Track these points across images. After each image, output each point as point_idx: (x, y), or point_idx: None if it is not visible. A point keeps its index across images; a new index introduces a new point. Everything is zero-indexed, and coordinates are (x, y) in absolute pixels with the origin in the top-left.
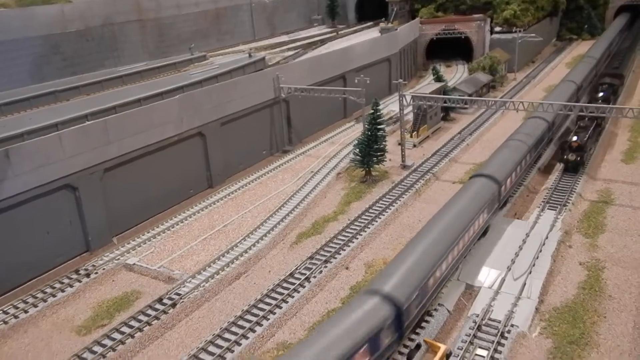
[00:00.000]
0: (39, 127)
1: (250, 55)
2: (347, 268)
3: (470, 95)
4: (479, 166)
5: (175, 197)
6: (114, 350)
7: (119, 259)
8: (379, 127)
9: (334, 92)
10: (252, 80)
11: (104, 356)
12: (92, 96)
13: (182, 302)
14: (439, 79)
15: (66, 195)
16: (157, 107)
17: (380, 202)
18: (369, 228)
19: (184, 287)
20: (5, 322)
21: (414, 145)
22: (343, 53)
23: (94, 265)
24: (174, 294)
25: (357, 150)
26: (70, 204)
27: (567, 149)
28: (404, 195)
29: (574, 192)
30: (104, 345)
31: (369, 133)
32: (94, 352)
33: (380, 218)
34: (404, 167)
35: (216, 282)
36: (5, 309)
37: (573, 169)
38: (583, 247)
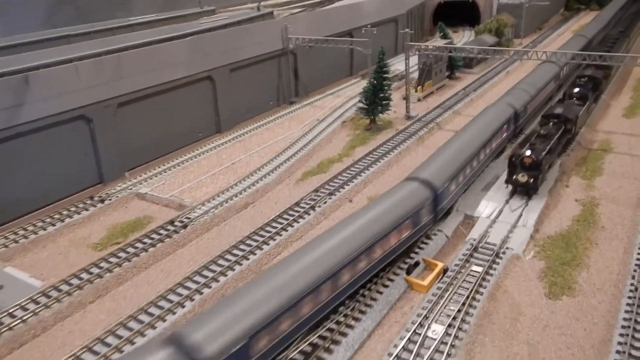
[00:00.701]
0: (56, 60)
1: (258, 9)
2: (350, 201)
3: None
4: None
5: (184, 139)
6: (129, 261)
7: (131, 188)
8: (384, 75)
9: (341, 42)
10: (261, 28)
11: (119, 265)
12: (105, 39)
13: (193, 224)
14: (445, 36)
15: (81, 127)
16: (168, 47)
17: (384, 146)
18: (372, 168)
19: (194, 212)
20: (26, 237)
21: (419, 100)
22: (350, 9)
23: (107, 193)
24: (185, 217)
25: (363, 98)
26: (85, 135)
27: (517, 165)
28: (407, 141)
29: (575, 140)
30: (119, 257)
31: (375, 81)
32: (110, 262)
33: (383, 159)
34: (408, 117)
35: (225, 210)
36: (24, 227)
37: (524, 192)
38: (580, 187)
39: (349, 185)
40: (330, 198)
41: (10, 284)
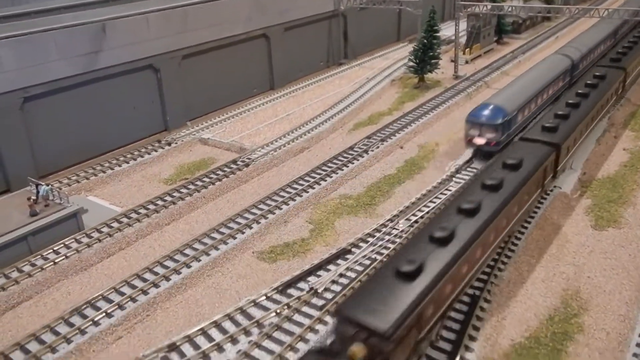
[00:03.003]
0: (130, 13)
1: None
2: (401, 147)
3: (524, 20)
4: None
5: (240, 93)
6: (198, 192)
7: (194, 134)
8: (435, 34)
9: (392, 3)
10: None
11: (190, 195)
12: None
13: (254, 163)
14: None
15: (150, 76)
16: (229, 3)
17: (433, 101)
18: (422, 119)
19: (254, 154)
20: (104, 172)
21: (466, 62)
22: None
23: (173, 138)
24: (247, 157)
25: (413, 56)
26: (152, 84)
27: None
28: (455, 97)
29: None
30: (189, 189)
31: (425, 40)
32: (181, 192)
33: (432, 112)
34: (456, 77)
35: (283, 152)
36: (101, 163)
37: None
38: (628, 138)
39: (400, 133)
40: (382, 144)
41: (94, 209)
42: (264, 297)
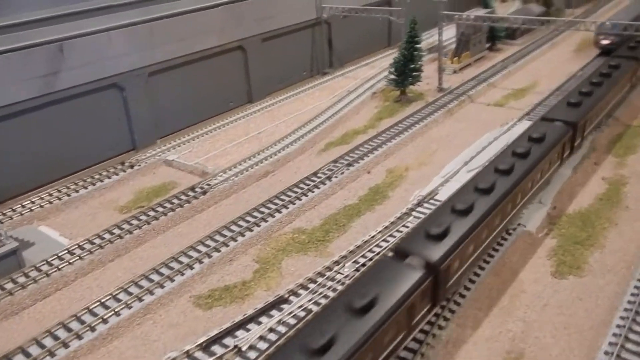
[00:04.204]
0: (90, 30)
1: None
2: (368, 172)
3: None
4: (518, 91)
5: (215, 108)
6: (148, 224)
7: (160, 155)
8: (416, 45)
9: (375, 12)
10: None
11: (139, 227)
12: (143, 9)
13: (212, 190)
14: (486, 5)
15: (114, 94)
16: (199, 16)
17: (411, 117)
18: (395, 140)
19: (214, 179)
20: (59, 199)
21: (454, 72)
22: None
23: (137, 160)
24: (205, 184)
25: (393, 69)
26: (117, 103)
27: None
28: (435, 114)
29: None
30: (140, 220)
31: (406, 52)
32: (130, 224)
33: (408, 131)
34: (440, 89)
35: (245, 177)
36: (59, 189)
37: None
38: (609, 165)
39: (369, 156)
40: (347, 169)
41: (41, 242)
42: (185, 356)
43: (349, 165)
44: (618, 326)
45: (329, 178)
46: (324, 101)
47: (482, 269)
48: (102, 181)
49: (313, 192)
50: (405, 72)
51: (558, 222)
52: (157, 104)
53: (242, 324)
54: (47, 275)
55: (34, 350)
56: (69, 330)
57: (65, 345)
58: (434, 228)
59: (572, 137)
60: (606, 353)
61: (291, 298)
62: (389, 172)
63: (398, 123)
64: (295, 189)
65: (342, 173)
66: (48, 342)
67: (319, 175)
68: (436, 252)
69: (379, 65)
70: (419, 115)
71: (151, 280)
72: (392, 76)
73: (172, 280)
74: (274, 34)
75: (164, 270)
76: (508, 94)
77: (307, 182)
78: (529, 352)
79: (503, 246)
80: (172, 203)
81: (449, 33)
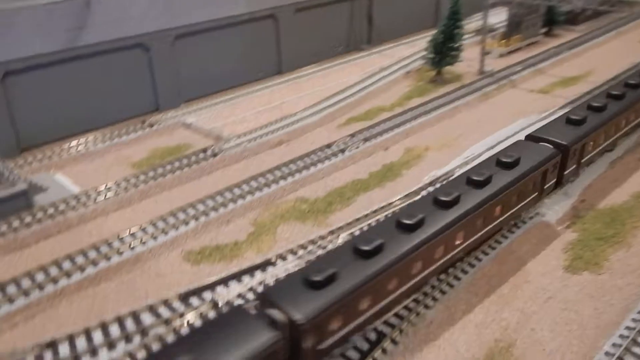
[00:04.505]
0: None
1: None
2: (385, 149)
3: (583, 9)
4: (568, 80)
5: (243, 77)
6: (155, 180)
7: (180, 117)
8: (457, 23)
9: None
10: None
11: (145, 182)
12: None
13: (223, 154)
14: None
15: (139, 55)
16: None
17: (442, 98)
18: (421, 119)
19: (227, 144)
20: (78, 151)
21: (501, 55)
22: None
23: (157, 120)
24: (217, 148)
25: (431, 47)
26: (142, 63)
27: None
28: (467, 96)
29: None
30: (147, 175)
31: (446, 29)
32: (138, 179)
33: (435, 112)
34: (481, 72)
35: (258, 145)
36: (79, 141)
37: None
38: None
39: (388, 133)
40: (363, 144)
41: (53, 188)
42: (162, 304)
43: (366, 140)
44: (627, 328)
45: (342, 151)
46: (354, 77)
47: (486, 254)
48: (120, 137)
49: (323, 163)
50: (443, 51)
51: (584, 216)
52: (183, 68)
53: (223, 281)
54: (52, 218)
55: (25, 283)
56: (60, 268)
57: (55, 281)
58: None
59: (560, 164)
60: (607, 354)
61: (277, 262)
62: (407, 151)
63: (426, 103)
64: (306, 159)
65: (357, 147)
66: (39, 277)
67: (333, 147)
68: None
69: (420, 45)
70: (450, 97)
71: (146, 232)
72: (429, 55)
73: (166, 234)
74: (309, 5)
75: (160, 224)
76: (556, 81)
77: (319, 153)
78: (521, 343)
79: (514, 234)
80: (181, 162)
81: (503, 16)
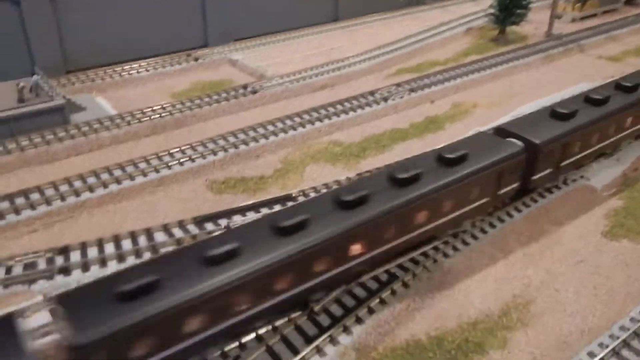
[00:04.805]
0: None
1: None
2: (432, 102)
3: None
4: None
5: (297, 21)
6: (191, 110)
7: (226, 54)
8: None
9: None
10: None
11: (181, 112)
12: None
13: (263, 91)
14: None
15: None
16: None
17: (501, 57)
18: (473, 75)
19: (268, 82)
20: (122, 76)
21: (573, 20)
22: None
23: (203, 54)
24: (258, 85)
25: (496, 4)
26: None
27: None
28: (530, 57)
29: None
30: (184, 105)
31: None
32: (174, 107)
33: (491, 69)
34: (548, 35)
35: (301, 86)
36: (124, 68)
37: None
38: None
39: (437, 86)
40: (409, 94)
41: (92, 108)
42: (177, 225)
43: (412, 91)
44: None
45: (385, 99)
46: (412, 30)
47: (519, 211)
48: (164, 67)
49: (363, 109)
50: (509, 8)
51: (633, 184)
52: (235, 6)
53: (241, 210)
54: (85, 135)
55: (49, 192)
56: (85, 182)
57: (77, 194)
58: None
59: (526, 166)
60: (633, 320)
61: (299, 198)
62: (455, 106)
63: (483, 59)
64: (345, 103)
65: (402, 97)
66: (63, 188)
67: (376, 95)
68: None
69: (486, 3)
70: (510, 56)
71: (173, 157)
72: (493, 12)
73: (193, 161)
74: None
75: (188, 151)
76: (630, 49)
77: (361, 99)
78: (540, 302)
79: (552, 194)
80: (220, 96)
81: None
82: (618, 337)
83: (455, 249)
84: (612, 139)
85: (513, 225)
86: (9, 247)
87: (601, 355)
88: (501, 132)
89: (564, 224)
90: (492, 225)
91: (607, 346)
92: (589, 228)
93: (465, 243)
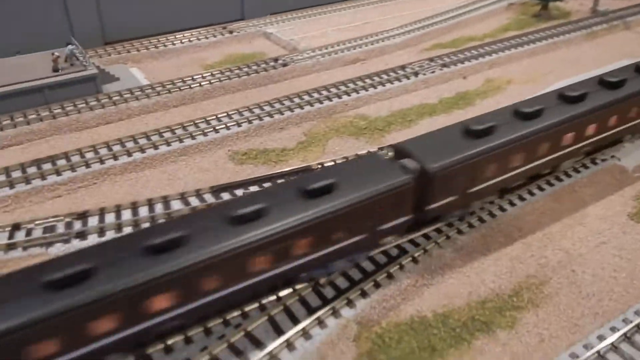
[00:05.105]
0: None
1: None
2: (464, 77)
3: None
4: None
5: None
6: (220, 81)
7: (261, 27)
8: None
9: None
10: None
11: (210, 83)
12: None
13: (293, 64)
14: None
15: None
16: None
17: (541, 33)
18: (510, 51)
19: (300, 55)
20: (157, 48)
21: None
22: None
23: (238, 27)
24: (289, 58)
25: None
26: None
27: None
28: (571, 33)
29: None
30: (213, 76)
31: None
32: (204, 78)
33: (529, 45)
34: (594, 11)
35: (332, 60)
36: (159, 39)
37: None
38: None
39: (470, 62)
40: (441, 69)
41: (125, 79)
42: (194, 194)
43: (444, 66)
44: None
45: (416, 74)
46: (450, 4)
47: (542, 189)
48: (199, 40)
49: (392, 84)
50: None
51: None
52: None
53: (257, 181)
54: (115, 105)
55: (75, 159)
56: (110, 149)
57: (102, 161)
58: None
59: (418, 196)
60: None
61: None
62: (487, 82)
63: (522, 35)
64: (375, 77)
65: (433, 72)
66: (89, 155)
67: (407, 69)
68: None
69: None
70: (551, 32)
71: (198, 127)
72: None
73: (217, 132)
74: None
75: (213, 122)
76: None
77: (391, 73)
78: (555, 282)
79: (579, 173)
80: (250, 68)
81: None
82: (632, 322)
83: (470, 225)
84: (547, 158)
85: (534, 204)
86: (33, 211)
87: (611, 339)
88: (398, 151)
89: (589, 204)
90: (511, 203)
91: (619, 330)
92: (616, 209)
93: (481, 220)
